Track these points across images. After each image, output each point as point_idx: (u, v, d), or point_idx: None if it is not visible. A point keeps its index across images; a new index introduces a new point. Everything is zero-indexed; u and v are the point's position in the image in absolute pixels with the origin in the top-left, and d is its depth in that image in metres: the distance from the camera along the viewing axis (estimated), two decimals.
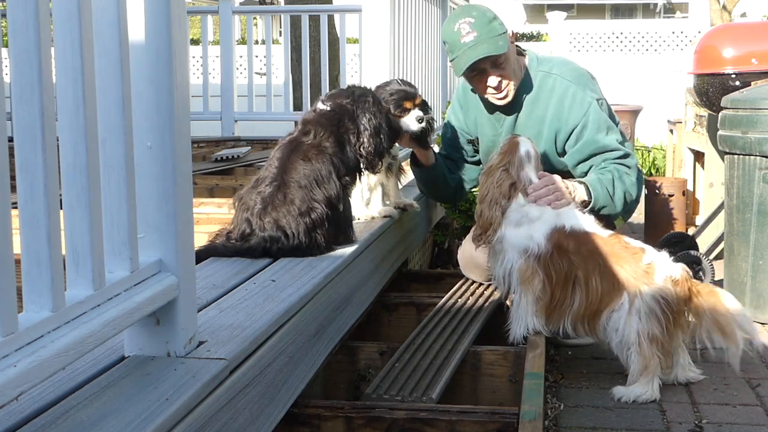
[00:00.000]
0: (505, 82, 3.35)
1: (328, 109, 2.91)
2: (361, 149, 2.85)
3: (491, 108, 3.49)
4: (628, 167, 3.30)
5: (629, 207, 3.33)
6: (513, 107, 3.45)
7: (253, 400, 1.81)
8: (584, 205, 3.12)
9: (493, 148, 3.48)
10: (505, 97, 3.38)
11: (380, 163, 2.97)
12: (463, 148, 3.66)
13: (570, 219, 2.91)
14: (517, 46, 3.47)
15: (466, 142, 3.65)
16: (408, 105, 3.18)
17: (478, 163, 3.66)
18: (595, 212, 3.16)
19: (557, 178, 3.07)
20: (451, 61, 3.39)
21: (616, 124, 3.44)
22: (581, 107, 3.35)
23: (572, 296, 2.82)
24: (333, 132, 2.82)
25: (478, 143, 3.61)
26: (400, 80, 3.32)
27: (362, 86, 3.09)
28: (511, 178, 2.98)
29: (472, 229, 3.16)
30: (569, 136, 3.37)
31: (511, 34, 3.37)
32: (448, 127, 3.70)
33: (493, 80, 3.34)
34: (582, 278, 2.81)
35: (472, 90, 3.50)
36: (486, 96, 3.42)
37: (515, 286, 2.92)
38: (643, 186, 3.34)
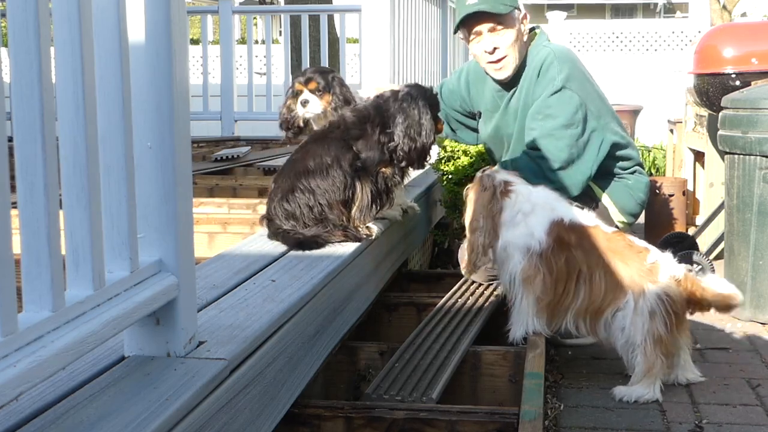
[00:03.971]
0: (500, 51, 3.36)
1: (361, 107, 3.00)
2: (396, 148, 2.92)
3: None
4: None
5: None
6: (511, 84, 3.48)
7: (253, 400, 1.81)
8: None
9: (488, 118, 3.55)
10: (502, 69, 3.40)
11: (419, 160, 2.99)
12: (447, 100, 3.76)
13: (566, 211, 2.90)
14: (532, 29, 3.49)
15: (458, 103, 3.75)
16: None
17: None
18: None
19: None
20: (455, 25, 3.45)
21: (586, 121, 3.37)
22: (548, 86, 3.32)
23: (576, 291, 2.80)
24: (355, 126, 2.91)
25: (478, 116, 3.69)
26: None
27: (415, 85, 3.11)
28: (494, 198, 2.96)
29: (464, 254, 3.14)
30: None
31: (523, 15, 3.39)
32: (451, 82, 3.79)
33: (488, 43, 3.36)
34: (586, 273, 2.79)
35: None
36: (484, 66, 3.45)
37: (517, 287, 2.91)
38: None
